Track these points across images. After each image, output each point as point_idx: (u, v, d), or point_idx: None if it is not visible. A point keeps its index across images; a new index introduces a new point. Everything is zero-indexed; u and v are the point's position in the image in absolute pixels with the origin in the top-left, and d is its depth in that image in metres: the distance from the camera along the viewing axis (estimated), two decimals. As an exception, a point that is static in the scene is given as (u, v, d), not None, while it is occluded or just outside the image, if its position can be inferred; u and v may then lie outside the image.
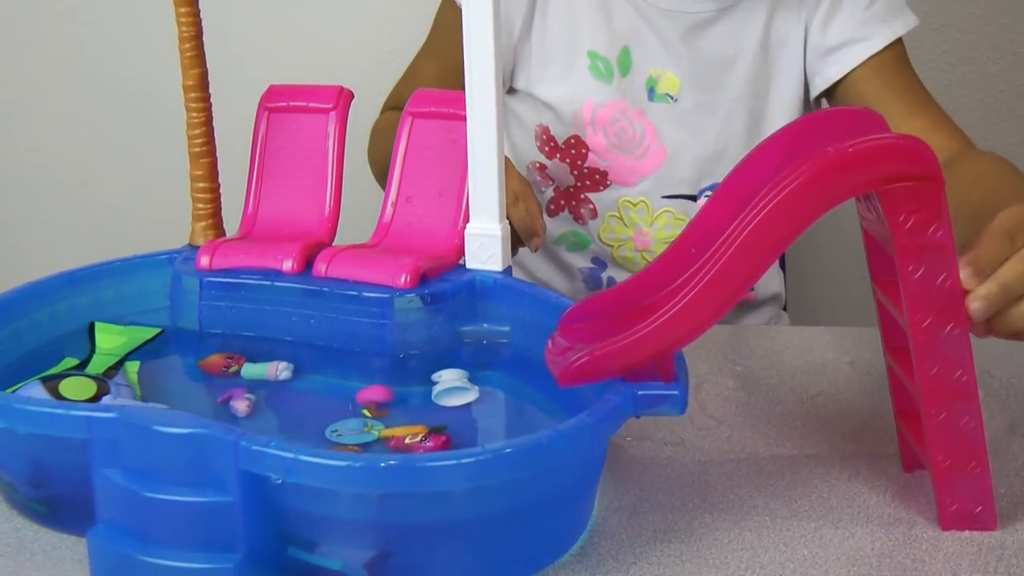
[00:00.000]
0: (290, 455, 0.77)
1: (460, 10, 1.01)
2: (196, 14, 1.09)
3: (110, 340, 1.07)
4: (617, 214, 1.47)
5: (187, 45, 1.09)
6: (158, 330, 1.10)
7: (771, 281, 1.59)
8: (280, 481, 0.79)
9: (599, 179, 1.48)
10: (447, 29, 1.51)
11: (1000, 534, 0.90)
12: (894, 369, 0.96)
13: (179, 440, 0.81)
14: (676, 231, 1.45)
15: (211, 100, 1.12)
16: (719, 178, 1.45)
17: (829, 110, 1.00)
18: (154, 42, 1.25)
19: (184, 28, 1.09)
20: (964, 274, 0.86)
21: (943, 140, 1.35)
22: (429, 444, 0.93)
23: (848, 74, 1.44)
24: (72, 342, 1.08)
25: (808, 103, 1.49)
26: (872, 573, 0.85)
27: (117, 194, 2.35)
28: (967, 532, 0.90)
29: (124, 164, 2.33)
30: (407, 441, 0.93)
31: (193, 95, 1.11)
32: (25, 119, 2.36)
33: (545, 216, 1.55)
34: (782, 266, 1.70)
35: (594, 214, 1.51)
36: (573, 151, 1.48)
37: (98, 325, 1.09)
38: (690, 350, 1.14)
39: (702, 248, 0.92)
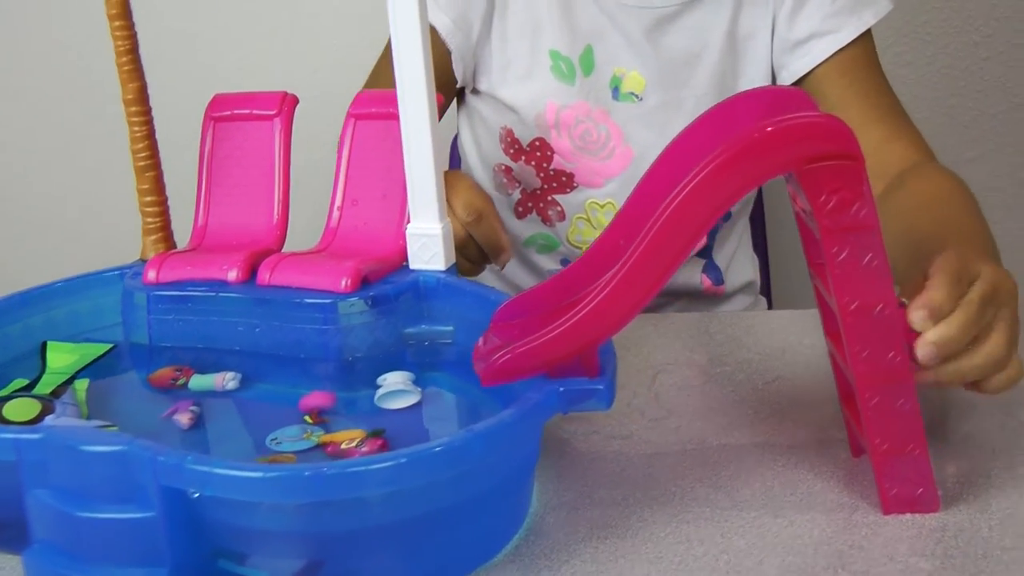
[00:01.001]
0: (204, 468, 0.77)
1: None
2: (131, 27, 1.08)
3: (61, 359, 1.07)
4: (585, 216, 1.46)
5: (124, 59, 1.09)
6: (110, 346, 1.10)
7: (743, 270, 1.57)
8: (196, 495, 0.78)
9: (566, 181, 1.47)
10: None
11: (942, 516, 0.88)
12: (834, 355, 0.95)
13: (102, 458, 0.81)
14: None
15: (152, 113, 1.11)
16: None
17: (757, 89, 0.98)
18: (98, 56, 1.24)
19: (120, 42, 1.08)
20: (918, 317, 0.86)
21: (902, 150, 1.33)
22: (365, 448, 0.92)
23: (814, 70, 1.41)
24: (25, 363, 1.08)
25: None
26: (807, 562, 0.84)
27: (73, 209, 2.37)
28: (909, 515, 0.88)
29: (78, 179, 2.35)
30: (344, 446, 0.93)
31: (134, 109, 1.10)
32: None
33: (514, 218, 1.54)
34: (763, 252, 1.68)
35: (562, 216, 1.50)
36: (538, 153, 1.47)
37: (50, 344, 1.09)
38: (649, 339, 1.15)
39: (629, 239, 0.91)
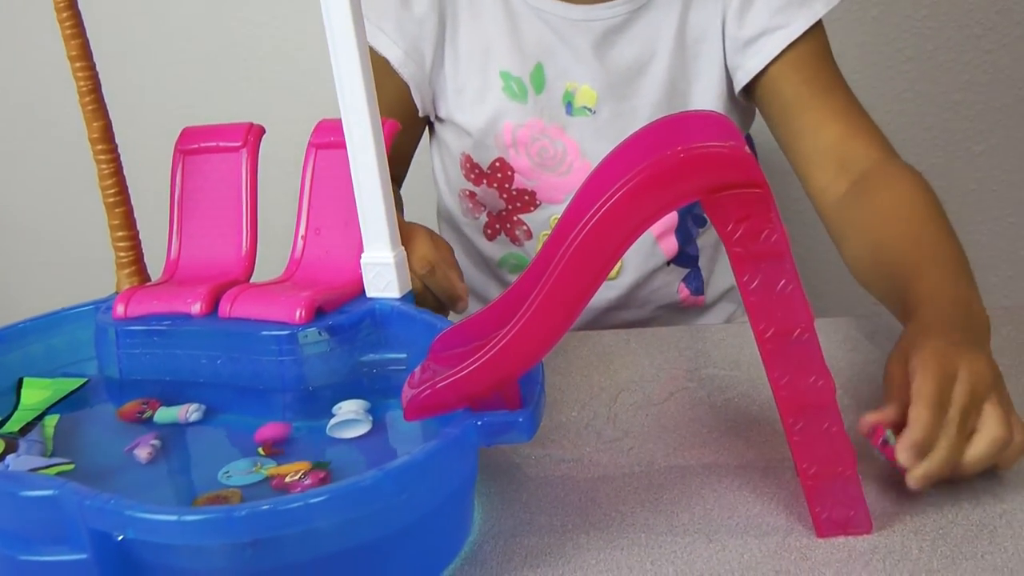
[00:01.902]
0: (125, 511, 0.79)
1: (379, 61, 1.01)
2: (92, 67, 1.10)
3: (35, 395, 1.10)
4: (550, 232, 1.45)
5: (87, 99, 1.11)
6: (83, 380, 1.12)
7: (725, 276, 1.56)
8: (120, 537, 0.80)
9: (528, 199, 1.47)
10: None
11: (874, 538, 0.88)
12: (767, 375, 0.94)
13: (36, 502, 0.83)
14: None
15: (119, 150, 1.13)
16: None
17: (682, 114, 0.98)
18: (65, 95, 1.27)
19: (82, 83, 1.10)
20: (905, 456, 0.89)
21: (863, 146, 1.31)
22: (308, 482, 0.93)
23: (767, 68, 1.39)
24: (0, 400, 1.10)
25: (735, 100, 1.45)
26: (732, 587, 0.84)
27: (48, 244, 2.42)
28: (843, 538, 0.88)
29: (56, 211, 2.39)
30: (288, 479, 0.94)
31: (100, 147, 1.12)
32: None
33: (484, 240, 1.54)
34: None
35: (529, 235, 1.50)
36: (499, 175, 1.47)
37: (26, 380, 1.11)
38: (614, 359, 1.15)
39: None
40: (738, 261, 0.83)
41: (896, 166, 1.28)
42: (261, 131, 1.16)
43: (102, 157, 1.13)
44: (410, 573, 0.87)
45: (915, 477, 0.89)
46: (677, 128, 0.92)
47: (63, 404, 1.10)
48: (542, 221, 1.48)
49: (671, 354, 1.21)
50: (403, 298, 1.07)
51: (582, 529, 0.92)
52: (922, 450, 0.89)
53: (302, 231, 1.13)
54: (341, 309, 1.07)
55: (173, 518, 0.78)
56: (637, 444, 1.04)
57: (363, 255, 1.07)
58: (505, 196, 1.48)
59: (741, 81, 1.41)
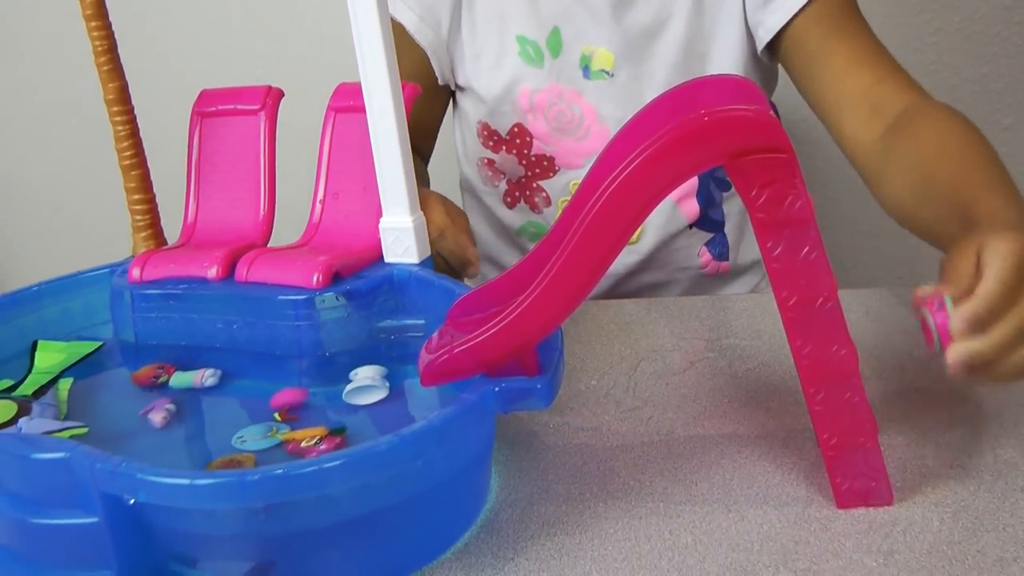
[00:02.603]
0: (137, 475, 0.78)
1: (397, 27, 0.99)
2: (107, 27, 1.09)
3: (49, 358, 1.09)
4: (569, 198, 1.44)
5: (103, 59, 1.10)
6: (98, 344, 1.12)
7: (751, 247, 1.54)
8: (132, 501, 0.79)
9: (547, 165, 1.46)
10: None
11: (895, 509, 0.87)
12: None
13: (47, 465, 0.82)
14: None
15: (135, 112, 1.12)
16: None
17: (704, 78, 0.96)
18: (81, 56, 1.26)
19: (97, 42, 1.09)
20: (959, 322, 0.83)
21: (895, 90, 1.27)
22: (323, 447, 0.93)
23: (791, 22, 1.36)
24: (15, 363, 1.10)
25: (757, 59, 1.43)
26: (750, 559, 0.83)
27: (66, 207, 2.41)
28: (863, 509, 0.87)
29: (72, 176, 2.39)
30: (303, 444, 0.93)
31: (116, 108, 1.11)
32: None
33: (504, 209, 1.53)
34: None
35: (548, 202, 1.49)
36: (518, 140, 1.46)
37: (40, 343, 1.11)
38: (635, 327, 1.14)
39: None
40: (761, 227, 0.82)
41: (934, 105, 1.25)
42: (280, 94, 1.15)
43: (118, 119, 1.12)
44: (426, 540, 0.87)
45: (958, 351, 0.83)
46: (699, 92, 0.91)
47: (78, 367, 1.09)
48: (561, 187, 1.47)
49: (692, 324, 1.20)
50: (421, 263, 1.05)
51: (600, 498, 0.91)
52: (980, 324, 0.83)
53: (320, 195, 1.12)
54: (359, 274, 1.05)
55: (185, 482, 0.78)
56: (656, 413, 1.02)
57: (382, 220, 1.06)
58: (524, 163, 1.47)
59: (763, 39, 1.38)
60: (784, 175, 0.80)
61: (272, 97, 1.14)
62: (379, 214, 1.08)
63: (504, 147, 1.47)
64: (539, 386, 0.85)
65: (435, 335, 0.92)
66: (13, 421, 0.98)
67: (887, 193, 1.20)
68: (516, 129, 1.46)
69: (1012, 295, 0.83)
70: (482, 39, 1.46)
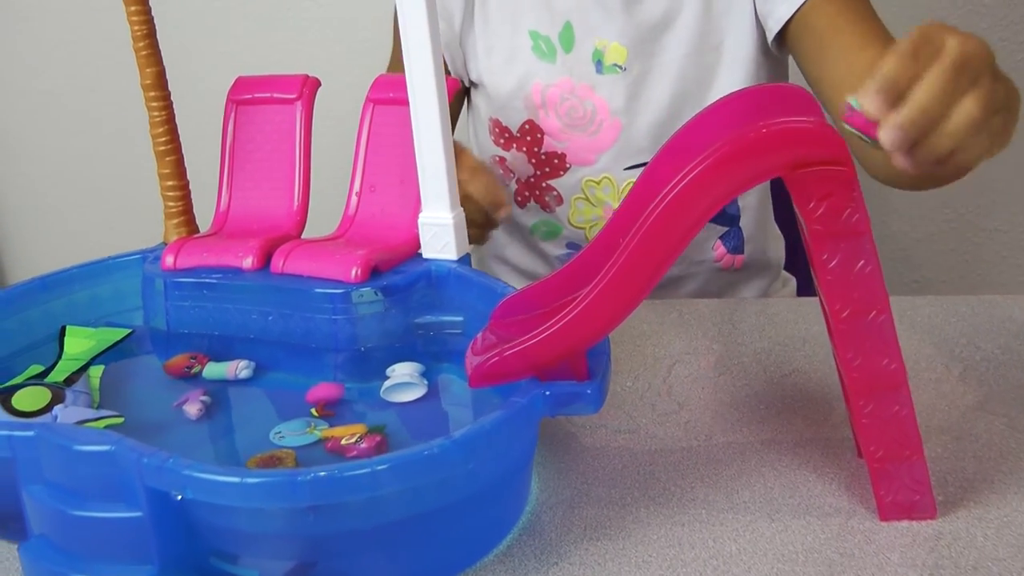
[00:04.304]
0: (185, 471, 0.78)
1: None
2: (147, 12, 1.09)
3: (78, 344, 1.08)
4: (583, 195, 1.44)
5: (141, 44, 1.09)
6: (127, 331, 1.11)
7: (766, 243, 1.54)
8: (180, 497, 0.79)
9: (558, 163, 1.46)
10: None
11: (939, 523, 0.87)
12: (834, 355, 0.93)
13: (91, 457, 0.82)
14: None
15: (171, 98, 1.12)
16: None
17: (761, 87, 0.96)
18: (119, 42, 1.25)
19: (136, 27, 1.09)
20: (870, 102, 0.79)
21: None
22: (363, 445, 0.92)
23: (799, 9, 1.35)
24: (44, 348, 1.09)
25: (767, 51, 1.42)
26: (796, 569, 0.83)
27: (97, 193, 2.40)
28: (906, 522, 0.87)
29: (102, 164, 2.37)
30: (343, 442, 0.93)
31: (152, 94, 1.11)
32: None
33: (516, 208, 1.53)
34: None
35: (560, 200, 1.49)
36: (529, 138, 1.45)
37: (69, 329, 1.10)
38: (668, 329, 1.14)
39: (627, 236, 0.90)
40: (817, 239, 0.81)
41: None
42: (316, 84, 1.14)
43: (154, 104, 1.11)
44: (470, 543, 0.86)
45: (886, 128, 0.79)
46: (757, 101, 0.91)
47: (107, 354, 1.09)
48: (572, 185, 1.47)
49: (724, 327, 1.20)
50: (460, 260, 1.05)
51: (641, 503, 0.91)
52: (892, 93, 0.79)
53: (357, 188, 1.11)
54: (396, 269, 1.05)
55: (235, 480, 0.77)
56: (693, 417, 1.02)
57: (421, 215, 1.05)
58: (534, 160, 1.46)
59: (773, 29, 1.38)
60: (843, 188, 0.80)
61: (309, 86, 1.14)
62: (416, 208, 1.08)
63: (515, 144, 1.47)
64: (589, 391, 0.85)
65: (479, 336, 0.92)
66: (47, 408, 0.97)
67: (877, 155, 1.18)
68: (527, 126, 1.45)
69: (913, 61, 0.80)
70: (495, 34, 1.46)
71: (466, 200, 1.21)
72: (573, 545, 0.87)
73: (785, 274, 1.60)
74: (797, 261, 1.63)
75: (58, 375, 1.04)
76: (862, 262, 0.82)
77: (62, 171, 2.45)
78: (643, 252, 0.81)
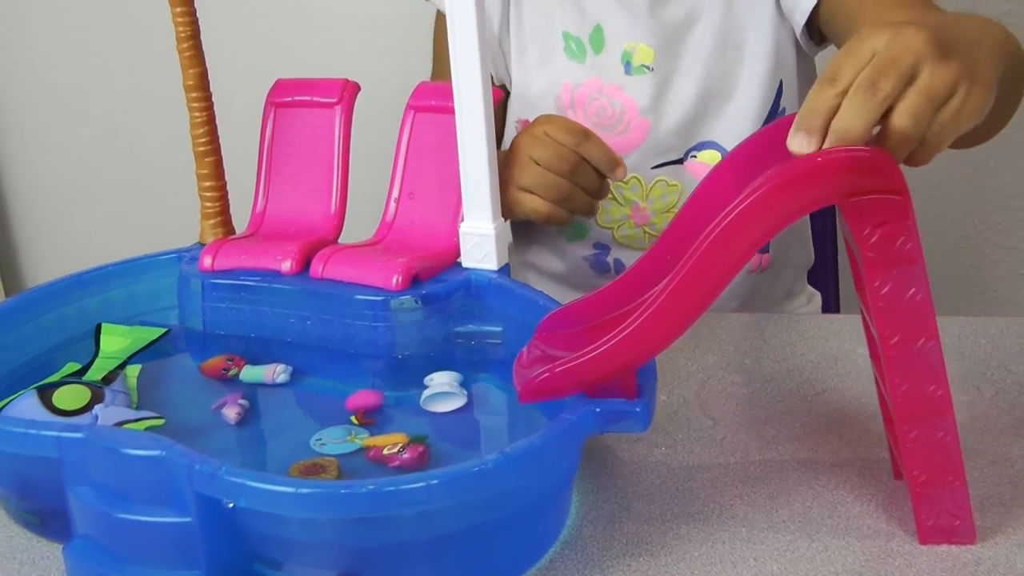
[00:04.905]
0: (238, 480, 0.78)
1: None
2: (192, 13, 1.09)
3: (114, 342, 1.09)
4: (610, 195, 1.44)
5: (185, 45, 1.09)
6: (163, 330, 1.11)
7: (794, 249, 1.54)
8: (231, 505, 0.79)
9: None
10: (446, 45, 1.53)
11: (978, 548, 0.87)
12: (877, 378, 0.94)
13: (141, 462, 0.83)
14: (673, 199, 1.42)
15: (212, 99, 1.12)
16: (703, 137, 1.42)
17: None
18: (158, 42, 1.26)
19: (181, 28, 1.09)
20: (795, 143, 0.81)
21: None
22: (406, 455, 0.93)
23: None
24: (80, 346, 1.10)
25: (792, 47, 1.42)
26: (838, 591, 0.83)
27: (133, 192, 2.40)
28: (945, 547, 0.88)
29: (137, 163, 2.37)
30: (385, 452, 0.94)
31: (194, 95, 1.11)
32: (32, 124, 2.44)
33: None
34: (833, 251, 1.65)
35: None
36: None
37: (104, 327, 1.10)
38: (699, 343, 1.14)
39: (677, 255, 0.90)
40: (870, 265, 0.82)
41: None
42: (356, 88, 1.14)
43: (196, 105, 1.12)
44: (515, 556, 0.87)
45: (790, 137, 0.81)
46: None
47: (143, 354, 1.09)
48: None
49: (755, 342, 1.21)
50: (500, 270, 1.05)
51: (681, 519, 0.92)
52: (814, 125, 0.80)
53: (395, 194, 1.12)
54: (436, 278, 1.06)
55: (290, 490, 0.78)
56: (730, 434, 1.03)
57: (462, 224, 1.06)
58: None
59: (800, 22, 1.37)
60: (897, 216, 0.81)
61: (349, 91, 1.14)
62: (455, 216, 1.08)
63: None
64: (638, 409, 0.85)
65: (525, 350, 0.92)
66: (88, 408, 0.98)
67: None
68: None
69: (829, 86, 0.81)
70: (528, 35, 1.46)
71: (579, 166, 1.22)
72: (615, 560, 0.87)
73: (811, 289, 1.60)
74: (827, 276, 1.64)
75: (95, 373, 1.04)
76: (913, 290, 0.82)
77: (88, 170, 2.45)
78: (700, 272, 0.81)
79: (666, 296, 0.82)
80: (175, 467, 0.81)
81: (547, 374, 0.86)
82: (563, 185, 1.22)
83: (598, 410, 0.85)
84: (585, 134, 1.23)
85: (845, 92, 0.81)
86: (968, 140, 0.93)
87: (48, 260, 2.53)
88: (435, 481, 0.78)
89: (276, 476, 0.81)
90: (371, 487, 0.78)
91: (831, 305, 1.66)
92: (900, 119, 0.80)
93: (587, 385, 0.86)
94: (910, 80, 0.80)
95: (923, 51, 0.81)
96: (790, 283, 1.56)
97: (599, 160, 1.23)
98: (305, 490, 0.78)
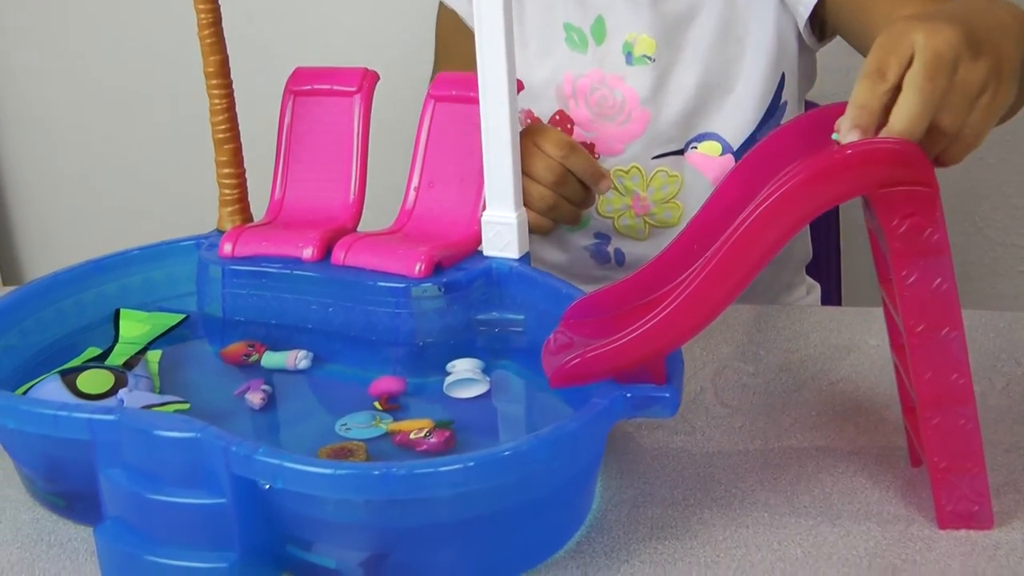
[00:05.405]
0: (276, 461, 0.79)
1: (453, 15, 0.99)
2: (214, 1, 1.09)
3: (134, 328, 1.09)
4: (611, 185, 1.45)
5: (206, 32, 1.10)
6: (182, 316, 1.12)
7: (793, 242, 1.55)
8: (268, 486, 0.80)
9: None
10: (447, 38, 1.55)
11: (996, 533, 0.89)
12: (898, 367, 0.95)
13: (175, 444, 0.83)
14: (673, 189, 1.44)
15: (233, 86, 1.13)
16: (704, 128, 1.44)
17: (838, 104, 0.98)
18: (179, 30, 1.26)
19: (203, 15, 1.10)
20: (849, 138, 0.82)
21: None
22: (433, 440, 0.94)
23: None
24: (98, 331, 1.10)
25: (799, 39, 1.44)
26: (862, 574, 0.85)
27: (149, 178, 2.40)
28: (964, 531, 0.89)
29: (155, 150, 2.37)
30: (412, 436, 0.94)
31: (215, 82, 1.12)
32: (53, 110, 2.43)
33: None
34: (836, 242, 1.67)
35: None
36: (559, 128, 1.47)
37: (123, 312, 1.11)
38: (712, 333, 1.15)
39: (704, 244, 0.92)
40: (898, 256, 0.83)
41: None
42: (376, 77, 1.15)
43: (216, 92, 1.12)
44: (544, 539, 0.88)
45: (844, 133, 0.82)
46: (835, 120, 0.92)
47: (162, 340, 1.10)
48: None
49: (769, 333, 1.22)
50: (521, 259, 1.06)
51: (704, 504, 0.93)
52: (868, 121, 0.82)
53: (415, 183, 1.13)
54: (458, 266, 1.06)
55: (328, 472, 0.79)
56: (747, 422, 1.04)
57: (485, 213, 1.07)
58: None
59: (804, 15, 1.39)
60: (926, 208, 0.82)
61: (368, 80, 1.15)
62: (475, 205, 1.09)
63: None
64: (668, 395, 0.86)
65: (552, 337, 0.93)
66: (112, 392, 0.98)
67: None
68: (558, 116, 1.47)
69: (880, 80, 0.83)
70: (530, 27, 1.47)
71: (564, 177, 1.23)
72: (641, 544, 0.89)
73: (810, 281, 1.62)
74: (829, 269, 1.66)
75: (116, 358, 1.05)
76: (939, 280, 0.84)
77: (99, 159, 2.44)
78: (732, 260, 0.83)
79: (702, 280, 0.83)
80: (210, 449, 0.81)
81: (579, 359, 0.87)
82: (548, 196, 1.23)
83: (629, 395, 0.86)
84: (571, 147, 1.23)
85: (894, 88, 0.82)
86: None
87: (48, 252, 2.53)
88: (471, 463, 0.79)
89: (313, 458, 0.82)
90: (408, 469, 0.79)
91: (833, 297, 1.68)
92: (946, 118, 0.83)
93: (618, 371, 0.87)
94: (952, 76, 0.82)
95: (959, 45, 0.82)
96: (790, 276, 1.57)
97: (584, 173, 1.24)
98: (343, 471, 0.79)
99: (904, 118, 0.82)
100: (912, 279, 0.84)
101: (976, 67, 0.83)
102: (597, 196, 1.31)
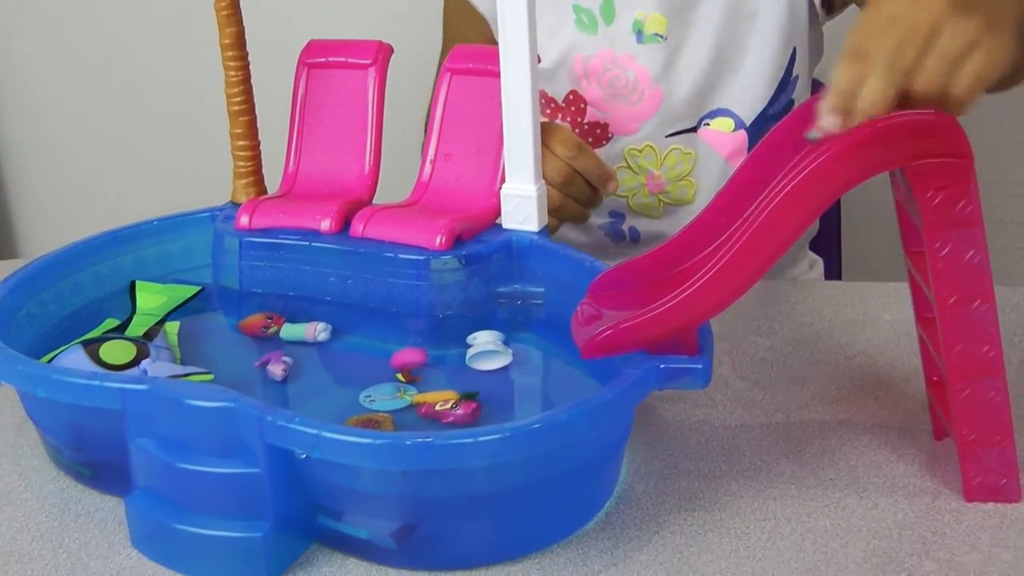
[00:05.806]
0: (313, 431, 0.79)
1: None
2: (230, -29, 1.09)
3: (151, 299, 1.09)
4: (625, 164, 1.45)
5: (222, 4, 1.09)
6: (198, 288, 1.12)
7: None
8: (304, 456, 0.80)
9: (600, 133, 1.46)
10: (455, 22, 1.55)
11: (1022, 506, 0.89)
12: (924, 339, 0.95)
13: (208, 413, 0.83)
14: (687, 167, 1.44)
15: (248, 59, 1.12)
16: (716, 105, 1.43)
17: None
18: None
19: (220, -13, 1.09)
20: (828, 122, 0.82)
21: None
22: (459, 411, 0.94)
23: None
24: (114, 302, 1.10)
25: (810, 12, 1.43)
26: (892, 546, 0.85)
27: (165, 150, 2.39)
28: (991, 504, 0.90)
29: (169, 122, 2.36)
30: (438, 408, 0.94)
31: (230, 54, 1.11)
32: (69, 85, 2.42)
33: None
34: (836, 218, 1.67)
35: None
36: (572, 108, 1.46)
37: (139, 284, 1.11)
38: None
39: (731, 216, 0.92)
40: (931, 228, 0.84)
41: None
42: (390, 50, 1.15)
43: (232, 64, 1.12)
44: (575, 510, 0.88)
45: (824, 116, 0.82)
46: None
47: (179, 311, 1.09)
48: (615, 154, 1.48)
49: (782, 307, 1.22)
50: (540, 232, 1.06)
51: (730, 476, 0.94)
52: (847, 103, 0.82)
53: (432, 155, 1.12)
54: (477, 238, 1.06)
55: (367, 441, 0.79)
56: (767, 396, 1.05)
57: (504, 186, 1.06)
58: (577, 131, 1.47)
59: None
60: (960, 180, 0.83)
61: (383, 53, 1.14)
62: (492, 178, 1.09)
63: (560, 115, 1.48)
64: (700, 366, 0.87)
65: (580, 308, 0.93)
66: (135, 363, 0.98)
67: None
68: (571, 96, 1.47)
69: (861, 60, 0.82)
70: (538, 8, 1.47)
71: (572, 178, 1.23)
72: (670, 515, 0.89)
73: (812, 255, 1.62)
74: (829, 244, 1.66)
75: (135, 330, 1.04)
76: (972, 252, 0.84)
77: (112, 130, 2.43)
78: (769, 229, 0.83)
79: (739, 248, 0.83)
80: (244, 418, 0.81)
81: (611, 330, 0.87)
82: (554, 196, 1.23)
83: (662, 366, 0.86)
84: (579, 147, 1.23)
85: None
86: (1006, 83, 0.94)
87: (61, 226, 2.51)
88: (509, 433, 0.79)
89: (350, 428, 0.82)
90: (447, 439, 0.79)
91: (834, 272, 1.68)
92: (919, 85, 0.82)
93: (652, 341, 0.87)
94: (931, 42, 0.81)
95: (942, 11, 0.81)
96: (795, 250, 1.58)
97: (591, 173, 1.25)
98: (380, 441, 0.79)
99: (866, 95, 0.81)
100: (945, 251, 0.84)
101: (963, 28, 0.81)
102: (604, 196, 1.31)
